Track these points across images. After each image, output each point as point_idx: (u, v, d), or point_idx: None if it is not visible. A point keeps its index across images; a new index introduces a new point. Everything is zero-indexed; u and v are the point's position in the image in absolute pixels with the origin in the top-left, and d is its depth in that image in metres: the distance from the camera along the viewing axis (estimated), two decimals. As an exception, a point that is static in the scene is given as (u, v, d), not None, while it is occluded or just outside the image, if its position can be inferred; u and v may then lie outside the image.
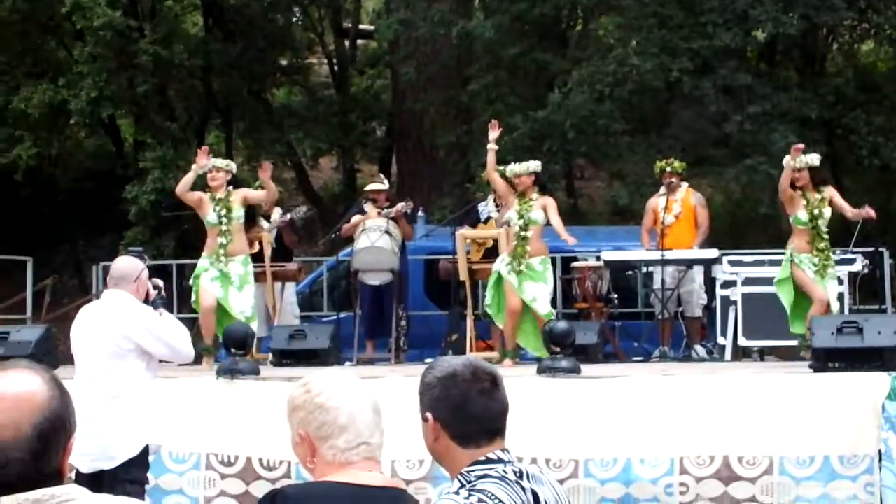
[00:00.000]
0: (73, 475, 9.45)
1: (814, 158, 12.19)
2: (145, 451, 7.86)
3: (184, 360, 8.37)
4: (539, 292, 12.32)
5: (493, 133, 12.88)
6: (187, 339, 8.04)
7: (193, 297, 12.87)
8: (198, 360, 11.20)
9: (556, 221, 12.67)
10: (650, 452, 9.78)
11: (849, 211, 12.23)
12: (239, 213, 12.61)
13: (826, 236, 11.99)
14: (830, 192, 12.13)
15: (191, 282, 13.00)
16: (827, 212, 11.99)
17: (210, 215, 12.61)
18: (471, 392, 3.46)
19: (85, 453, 7.55)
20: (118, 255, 19.30)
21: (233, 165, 13.24)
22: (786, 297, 12.02)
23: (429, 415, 3.49)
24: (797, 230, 12.05)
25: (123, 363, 7.76)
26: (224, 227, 12.53)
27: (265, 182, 12.95)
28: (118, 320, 7.77)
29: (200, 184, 12.97)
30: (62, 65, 22.57)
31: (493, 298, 12.57)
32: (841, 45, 22.68)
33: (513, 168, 12.83)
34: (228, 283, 12.49)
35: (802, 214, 11.98)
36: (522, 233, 12.41)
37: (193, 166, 12.82)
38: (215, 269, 12.52)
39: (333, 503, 3.36)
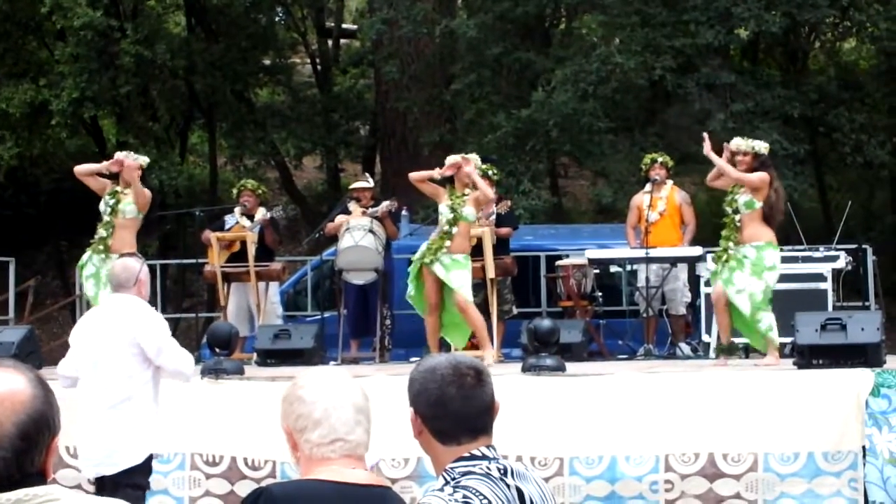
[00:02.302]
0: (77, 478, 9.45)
1: (759, 145, 11.62)
2: (149, 459, 7.83)
3: (184, 380, 8.21)
4: (464, 279, 11.95)
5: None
6: (191, 361, 7.99)
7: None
8: None
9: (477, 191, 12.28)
10: (635, 450, 9.79)
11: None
12: (127, 208, 12.38)
13: (735, 225, 11.36)
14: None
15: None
16: (741, 198, 11.36)
17: (101, 204, 12.53)
18: (448, 388, 3.45)
19: (89, 458, 7.56)
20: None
21: (141, 160, 12.78)
22: None
23: (411, 409, 3.50)
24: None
25: (130, 369, 7.73)
26: (106, 218, 12.42)
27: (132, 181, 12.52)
28: (126, 325, 7.75)
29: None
30: (44, 65, 22.51)
31: (416, 290, 12.28)
32: (823, 43, 22.72)
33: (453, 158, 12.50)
34: (100, 282, 12.16)
35: (726, 204, 11.59)
36: (448, 228, 12.03)
37: (106, 164, 12.68)
38: (92, 265, 12.30)
39: (318, 501, 3.35)
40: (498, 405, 3.53)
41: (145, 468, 7.84)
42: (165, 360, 7.76)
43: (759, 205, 11.37)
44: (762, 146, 11.67)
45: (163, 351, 7.75)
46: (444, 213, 12.14)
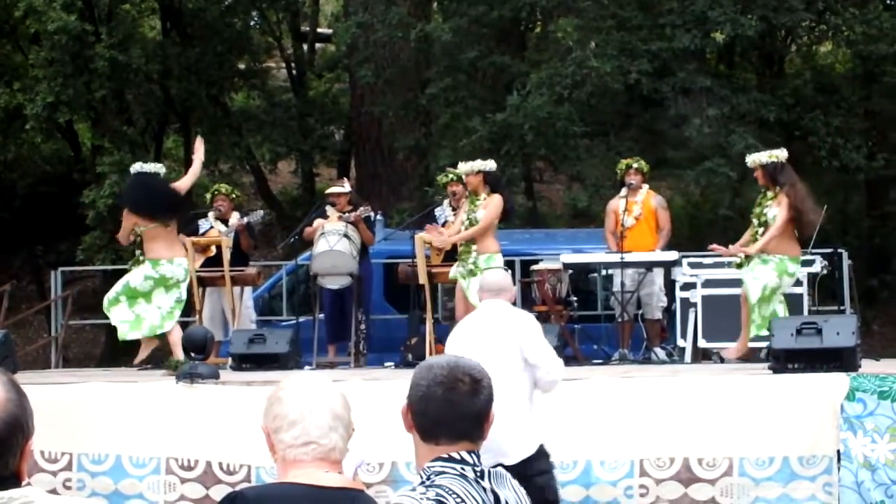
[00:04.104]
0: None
1: (761, 156, 12.03)
2: (541, 447, 7.83)
3: (550, 387, 8.03)
4: None
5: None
6: (562, 366, 8.02)
7: None
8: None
9: (483, 216, 12.67)
10: (610, 454, 9.79)
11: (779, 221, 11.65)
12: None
13: (758, 235, 11.76)
14: (782, 198, 11.71)
15: None
16: (769, 211, 11.72)
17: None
18: (435, 388, 3.46)
19: (484, 451, 7.74)
20: (76, 260, 19.23)
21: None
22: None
23: (406, 401, 3.53)
24: None
25: (513, 370, 7.79)
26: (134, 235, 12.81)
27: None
28: (510, 329, 7.88)
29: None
30: (18, 68, 22.41)
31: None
32: (799, 47, 22.77)
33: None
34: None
35: (754, 216, 11.95)
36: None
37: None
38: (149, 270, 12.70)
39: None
40: (493, 416, 3.54)
41: (541, 455, 7.83)
42: (542, 363, 7.84)
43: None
44: (763, 157, 12.00)
45: (542, 354, 7.84)
46: (462, 218, 12.86)
